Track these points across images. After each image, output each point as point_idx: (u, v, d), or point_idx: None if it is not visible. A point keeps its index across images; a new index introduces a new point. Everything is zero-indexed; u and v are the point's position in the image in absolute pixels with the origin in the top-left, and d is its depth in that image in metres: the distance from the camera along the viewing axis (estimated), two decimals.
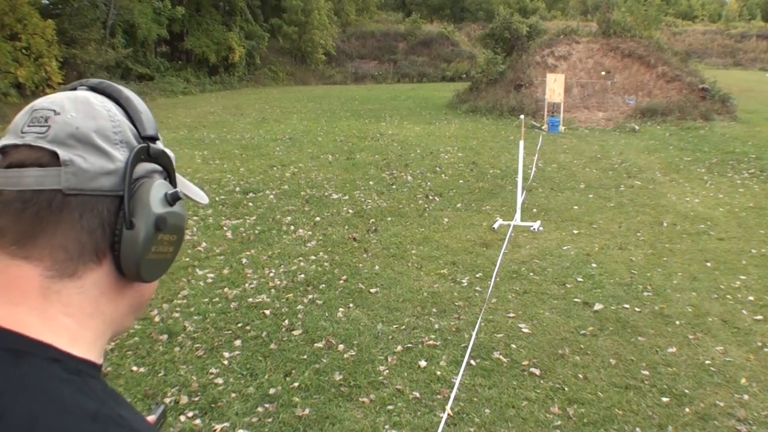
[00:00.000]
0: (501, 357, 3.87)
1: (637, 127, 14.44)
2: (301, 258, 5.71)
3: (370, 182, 8.89)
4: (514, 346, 4.02)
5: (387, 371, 3.70)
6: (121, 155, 0.59)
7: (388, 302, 4.72)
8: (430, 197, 8.04)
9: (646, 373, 3.69)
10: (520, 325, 4.31)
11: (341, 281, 5.15)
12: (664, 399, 3.41)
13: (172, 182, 0.66)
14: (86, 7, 21.40)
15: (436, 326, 4.30)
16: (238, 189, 8.42)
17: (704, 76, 17.74)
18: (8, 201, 0.56)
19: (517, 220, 6.75)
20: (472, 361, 3.81)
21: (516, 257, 5.75)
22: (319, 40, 33.95)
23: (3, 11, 17.33)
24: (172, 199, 0.62)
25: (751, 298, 4.82)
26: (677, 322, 4.38)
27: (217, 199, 7.91)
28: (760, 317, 4.47)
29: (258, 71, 32.17)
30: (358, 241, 6.20)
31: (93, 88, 0.64)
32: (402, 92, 26.28)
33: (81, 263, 0.58)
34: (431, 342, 4.06)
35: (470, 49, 36.11)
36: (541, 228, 6.61)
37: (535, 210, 7.37)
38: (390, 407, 3.32)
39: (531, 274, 5.32)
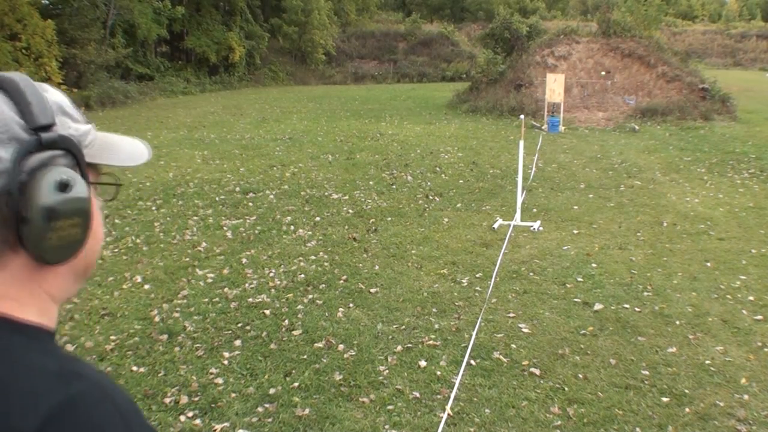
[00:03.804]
0: (501, 357, 3.87)
1: (637, 127, 14.43)
2: (301, 258, 5.71)
3: (370, 182, 8.89)
4: (514, 346, 4.02)
5: (387, 371, 3.70)
6: (7, 153, 0.61)
7: (388, 302, 4.72)
8: (430, 197, 8.03)
9: (646, 373, 3.69)
10: (520, 325, 4.31)
11: (341, 281, 5.15)
12: (664, 399, 3.41)
13: (80, 163, 0.67)
14: (86, 7, 21.37)
15: (436, 326, 4.30)
16: (238, 189, 8.42)
17: (704, 76, 17.73)
18: None
19: (517, 220, 6.75)
20: (472, 361, 3.81)
21: (516, 257, 5.75)
22: (319, 40, 33.94)
23: (3, 11, 17.32)
24: (62, 185, 0.63)
25: (751, 298, 4.82)
26: (677, 322, 4.37)
27: (217, 199, 7.91)
28: (760, 317, 4.47)
29: (258, 71, 32.15)
30: (358, 241, 6.19)
31: None
32: (402, 92, 26.27)
33: (1, 254, 0.63)
34: (431, 342, 4.06)
35: (470, 49, 36.10)
36: (541, 228, 6.61)
37: (535, 210, 7.37)
38: (390, 407, 3.32)
39: (531, 274, 5.32)
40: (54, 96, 0.69)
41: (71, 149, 0.67)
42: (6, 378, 0.58)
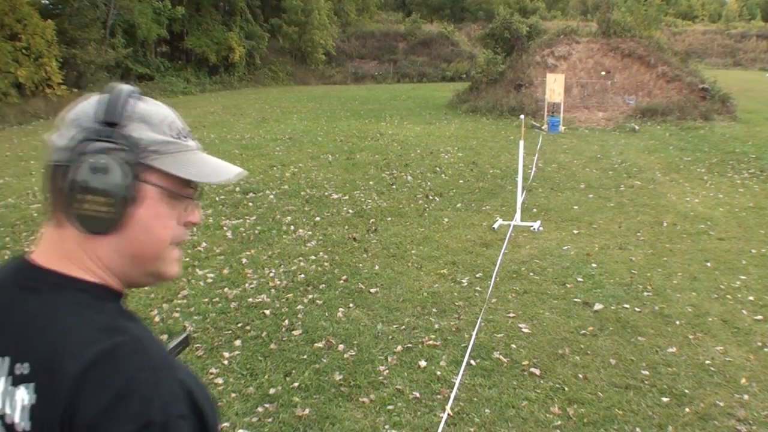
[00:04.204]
0: (501, 357, 3.87)
1: (637, 127, 14.44)
2: (301, 258, 5.71)
3: (370, 182, 8.89)
4: (514, 346, 4.02)
5: (387, 371, 3.70)
6: (70, 134, 0.78)
7: (388, 302, 4.72)
8: (430, 197, 8.03)
9: (646, 373, 3.69)
10: (520, 325, 4.31)
11: (341, 281, 5.15)
12: (664, 399, 3.41)
13: (131, 157, 0.78)
14: (86, 7, 21.35)
15: (436, 326, 4.30)
16: (238, 189, 8.42)
17: (704, 76, 17.74)
18: None
19: (517, 220, 6.75)
20: (472, 361, 3.81)
21: (516, 257, 5.75)
22: (319, 40, 33.94)
23: (3, 11, 17.32)
24: (94, 168, 0.75)
25: (751, 298, 4.82)
26: (677, 322, 4.37)
27: (217, 199, 7.91)
28: (760, 317, 4.47)
29: (258, 71, 32.15)
30: (358, 241, 6.19)
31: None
32: (402, 92, 26.27)
33: (62, 216, 0.78)
34: (431, 342, 4.06)
35: (470, 49, 36.11)
36: (541, 228, 6.61)
37: (535, 210, 7.37)
38: (390, 407, 3.32)
39: (531, 274, 5.32)
40: (145, 108, 0.80)
41: (129, 147, 0.77)
42: (67, 328, 0.73)
